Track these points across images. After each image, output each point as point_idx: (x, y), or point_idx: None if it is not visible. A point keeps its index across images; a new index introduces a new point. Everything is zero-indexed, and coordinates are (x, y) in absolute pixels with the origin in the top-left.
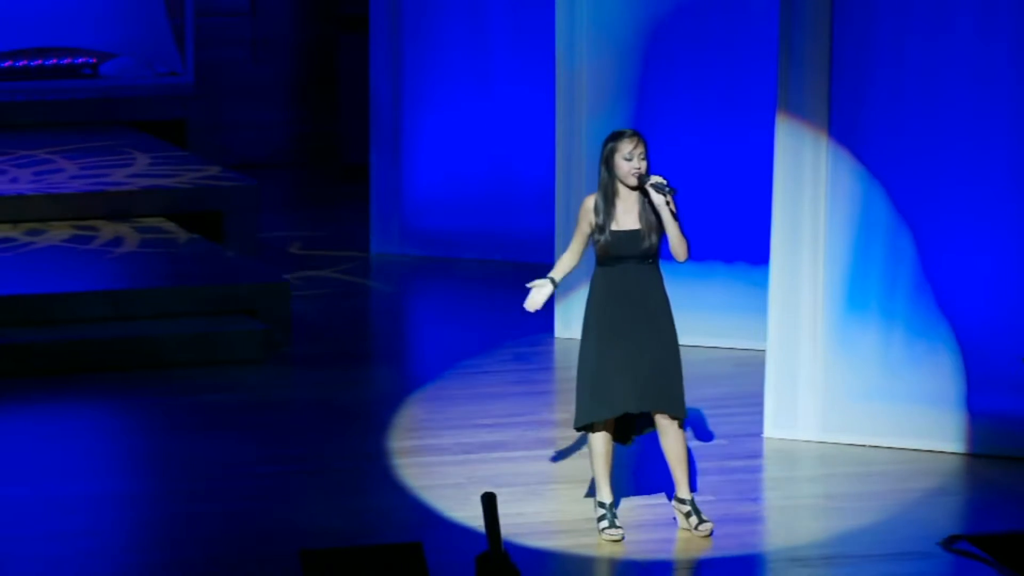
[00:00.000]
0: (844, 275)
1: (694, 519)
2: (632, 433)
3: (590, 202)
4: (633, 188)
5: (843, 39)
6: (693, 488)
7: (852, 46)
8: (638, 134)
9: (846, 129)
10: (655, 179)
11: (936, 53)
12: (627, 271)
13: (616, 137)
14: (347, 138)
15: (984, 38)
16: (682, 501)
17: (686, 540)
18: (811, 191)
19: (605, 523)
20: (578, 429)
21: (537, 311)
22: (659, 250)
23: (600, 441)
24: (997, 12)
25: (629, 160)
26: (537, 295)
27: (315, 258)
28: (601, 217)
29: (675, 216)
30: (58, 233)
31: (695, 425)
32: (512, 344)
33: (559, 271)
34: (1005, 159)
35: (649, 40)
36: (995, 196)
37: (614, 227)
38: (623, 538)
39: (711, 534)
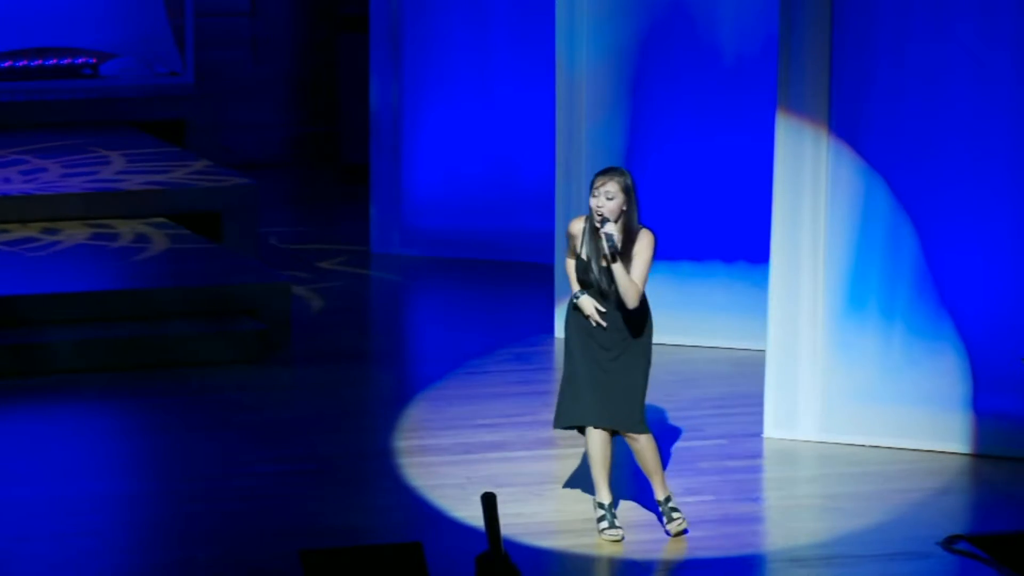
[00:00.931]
0: (844, 275)
1: (665, 517)
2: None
3: (575, 226)
4: (595, 229)
5: (843, 39)
6: (691, 483)
7: (852, 45)
8: (619, 174)
9: (846, 129)
10: (608, 227)
11: (936, 52)
12: (601, 300)
13: (598, 173)
14: (347, 138)
15: (985, 37)
16: (658, 503)
17: (686, 540)
18: (811, 191)
19: (605, 523)
20: (557, 428)
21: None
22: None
23: (596, 444)
24: (997, 12)
25: (595, 197)
26: (590, 308)
27: (315, 257)
28: (583, 247)
29: (611, 261)
30: (58, 234)
31: (695, 425)
32: (512, 344)
33: (575, 283)
34: (1006, 159)
35: (649, 40)
36: (995, 196)
37: (594, 260)
38: (623, 538)
39: (683, 533)
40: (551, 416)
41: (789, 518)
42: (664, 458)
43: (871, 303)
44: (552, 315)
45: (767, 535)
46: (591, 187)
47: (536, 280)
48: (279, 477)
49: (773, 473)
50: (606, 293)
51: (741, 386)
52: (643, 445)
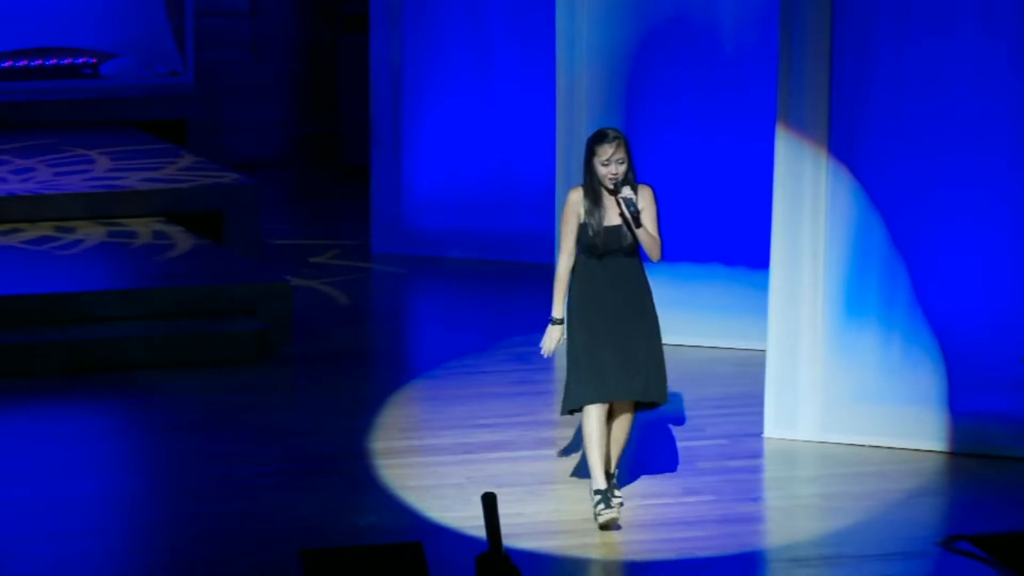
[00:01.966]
0: (844, 275)
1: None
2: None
3: (576, 195)
4: (609, 192)
5: (843, 39)
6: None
7: (853, 46)
8: (619, 137)
9: (847, 131)
10: (626, 192)
11: (936, 59)
12: (611, 264)
13: (597, 139)
14: (347, 138)
15: (984, 48)
16: (607, 473)
17: (686, 540)
18: (811, 192)
19: (602, 506)
20: (566, 413)
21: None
22: (639, 245)
23: (595, 428)
24: (999, 19)
25: (606, 166)
26: (549, 341)
27: (315, 256)
28: (591, 213)
29: (635, 226)
30: (58, 233)
31: (696, 425)
32: (512, 344)
33: (559, 304)
34: (1005, 165)
35: (650, 40)
36: (994, 202)
37: (605, 223)
38: (618, 518)
39: (618, 507)
40: (551, 416)
41: (789, 518)
42: (665, 458)
43: (871, 303)
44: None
45: (767, 535)
46: (593, 154)
47: (536, 280)
48: (279, 477)
49: (773, 473)
50: (628, 249)
51: (741, 386)
52: (631, 421)
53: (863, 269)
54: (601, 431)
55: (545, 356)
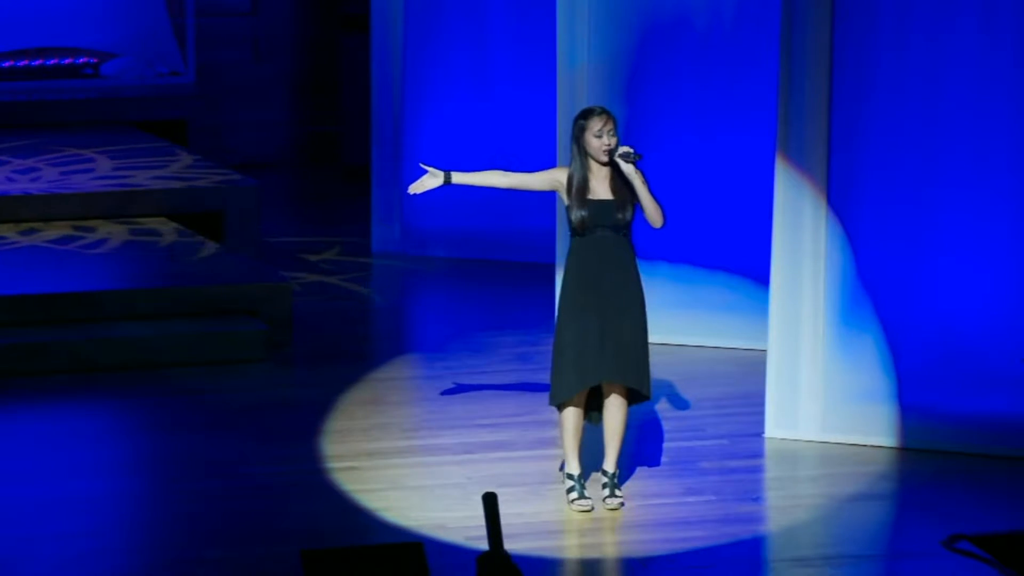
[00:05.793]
0: (845, 275)
1: (607, 491)
2: (599, 411)
3: (562, 173)
4: (604, 164)
5: (843, 45)
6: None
7: (852, 50)
8: (607, 111)
9: (847, 134)
10: (622, 149)
11: (936, 59)
12: (602, 240)
13: (586, 115)
14: (348, 138)
15: (984, 48)
16: (604, 472)
17: (687, 540)
18: (812, 196)
19: (575, 495)
20: (555, 405)
21: (416, 194)
22: (632, 224)
23: (571, 416)
24: (999, 19)
25: (599, 137)
26: (428, 180)
27: (316, 257)
28: (576, 192)
29: (645, 183)
30: (57, 233)
31: (696, 425)
32: (512, 344)
33: (468, 177)
34: (1005, 165)
35: (651, 40)
36: (994, 202)
37: (590, 197)
38: (593, 508)
39: (620, 507)
40: (551, 416)
41: (790, 518)
42: (665, 458)
43: (871, 303)
44: (552, 315)
45: (768, 535)
46: (584, 128)
47: (537, 280)
48: (279, 477)
49: (774, 473)
50: (619, 224)
51: (742, 386)
52: (624, 410)
53: (864, 269)
54: (576, 419)
55: (409, 193)
